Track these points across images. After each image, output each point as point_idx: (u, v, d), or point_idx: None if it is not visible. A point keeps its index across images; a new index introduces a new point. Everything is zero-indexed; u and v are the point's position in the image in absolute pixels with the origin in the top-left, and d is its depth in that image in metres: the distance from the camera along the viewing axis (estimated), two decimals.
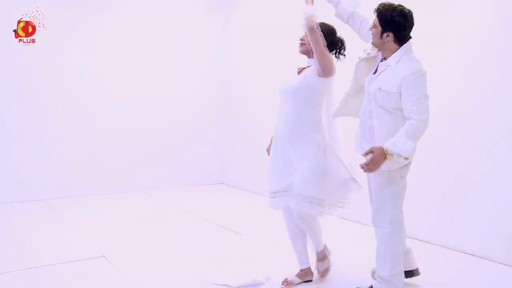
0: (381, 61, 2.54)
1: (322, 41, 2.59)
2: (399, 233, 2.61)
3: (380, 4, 2.47)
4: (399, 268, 2.63)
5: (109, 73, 5.42)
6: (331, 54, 2.70)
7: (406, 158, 2.33)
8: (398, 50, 2.45)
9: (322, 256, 2.88)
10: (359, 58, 2.65)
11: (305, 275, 2.88)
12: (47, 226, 4.08)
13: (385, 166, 2.35)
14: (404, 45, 2.45)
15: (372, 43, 2.56)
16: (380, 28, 2.44)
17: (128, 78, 5.54)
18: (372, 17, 2.54)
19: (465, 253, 3.50)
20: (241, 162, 5.98)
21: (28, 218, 4.34)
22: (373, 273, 2.85)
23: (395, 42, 2.45)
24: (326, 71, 2.62)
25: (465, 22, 3.51)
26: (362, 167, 2.36)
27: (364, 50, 2.64)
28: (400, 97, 2.38)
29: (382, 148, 2.30)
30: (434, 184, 3.70)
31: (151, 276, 2.98)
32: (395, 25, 2.40)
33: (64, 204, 4.84)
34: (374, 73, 2.56)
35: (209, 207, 4.95)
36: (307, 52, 2.74)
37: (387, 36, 2.43)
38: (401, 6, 2.45)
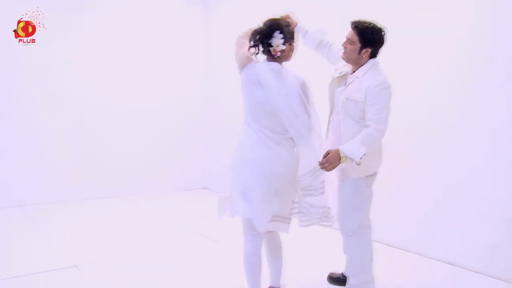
0: (351, 74, 2.65)
1: (238, 44, 2.59)
2: (366, 241, 2.73)
3: (357, 22, 2.56)
4: (369, 276, 2.75)
5: (90, 79, 5.34)
6: (241, 50, 2.54)
7: (358, 164, 2.49)
8: (366, 63, 2.57)
9: None
10: (332, 77, 2.76)
11: None
12: (22, 234, 4.03)
13: (352, 173, 2.59)
14: (373, 59, 2.58)
15: (346, 58, 2.64)
16: (359, 45, 2.54)
17: (110, 84, 5.46)
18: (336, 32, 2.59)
19: (448, 263, 3.49)
20: (224, 167, 5.85)
21: (3, 225, 4.28)
22: (329, 277, 3.06)
23: (369, 57, 2.58)
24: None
25: (457, 25, 3.44)
26: (319, 165, 2.47)
27: (336, 70, 2.76)
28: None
29: (338, 150, 2.45)
30: (418, 195, 3.70)
31: (122, 287, 2.94)
32: (375, 42, 2.54)
33: (42, 211, 4.74)
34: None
35: (189, 213, 4.88)
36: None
37: (365, 52, 2.55)
38: (376, 24, 2.56)
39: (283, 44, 2.44)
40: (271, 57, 2.49)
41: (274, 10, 4.65)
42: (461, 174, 3.42)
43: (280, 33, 2.43)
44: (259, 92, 2.45)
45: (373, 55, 2.57)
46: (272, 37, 2.43)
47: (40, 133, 5.10)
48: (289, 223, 2.58)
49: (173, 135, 5.98)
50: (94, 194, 5.38)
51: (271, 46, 2.44)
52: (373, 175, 2.69)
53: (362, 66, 2.56)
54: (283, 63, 2.55)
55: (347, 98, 2.57)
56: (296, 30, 2.73)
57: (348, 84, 2.61)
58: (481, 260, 3.31)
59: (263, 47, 2.47)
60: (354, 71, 2.61)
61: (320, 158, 2.49)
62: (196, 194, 5.91)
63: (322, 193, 2.56)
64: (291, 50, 2.54)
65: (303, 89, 2.47)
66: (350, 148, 2.44)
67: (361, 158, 2.44)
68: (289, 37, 2.48)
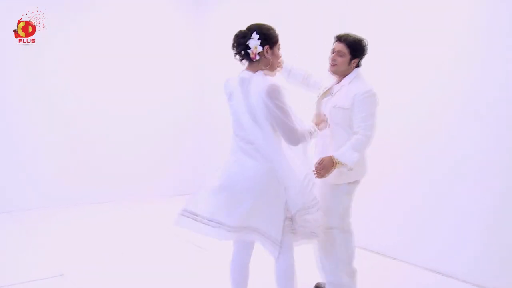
0: (336, 84, 2.75)
1: None
2: (338, 244, 2.78)
3: (345, 35, 2.69)
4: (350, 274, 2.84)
5: (82, 83, 5.29)
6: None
7: (350, 169, 2.57)
8: (352, 73, 2.70)
9: None
10: (318, 95, 2.83)
11: None
12: (9, 241, 3.98)
13: (333, 179, 2.62)
14: (357, 68, 2.71)
15: (335, 71, 2.74)
16: (349, 57, 2.67)
17: (103, 89, 5.42)
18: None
19: (433, 271, 3.48)
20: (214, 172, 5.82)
21: None
22: None
23: (355, 67, 2.72)
24: None
25: (450, 26, 3.42)
26: (314, 171, 2.51)
27: (320, 87, 2.85)
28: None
29: (331, 157, 2.53)
30: (402, 201, 3.72)
31: None
32: (362, 53, 2.71)
33: (31, 217, 4.67)
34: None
35: None
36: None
37: (354, 63, 2.69)
38: (359, 35, 2.71)
39: (261, 46, 2.32)
40: (251, 61, 2.37)
41: (271, 13, 4.66)
42: (447, 181, 3.43)
43: (258, 33, 2.32)
44: (231, 102, 2.41)
45: (359, 65, 2.73)
46: (249, 38, 2.32)
47: (30, 136, 5.03)
48: (273, 244, 2.37)
49: (167, 140, 5.94)
50: (85, 199, 5.33)
51: (249, 48, 2.33)
52: (355, 182, 2.75)
53: (348, 76, 2.69)
54: (267, 72, 2.40)
55: (334, 106, 2.66)
56: (282, 72, 2.86)
57: (334, 93, 2.71)
58: (466, 268, 3.31)
59: (240, 49, 2.36)
60: (339, 82, 2.73)
61: (299, 175, 2.39)
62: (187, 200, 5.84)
63: (318, 209, 2.44)
64: (274, 56, 2.39)
65: (270, 96, 2.24)
66: (343, 153, 2.53)
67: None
68: (269, 41, 2.35)
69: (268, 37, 2.35)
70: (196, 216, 2.46)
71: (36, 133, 5.07)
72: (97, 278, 3.23)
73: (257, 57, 2.34)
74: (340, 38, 2.67)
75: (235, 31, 2.42)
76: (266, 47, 2.34)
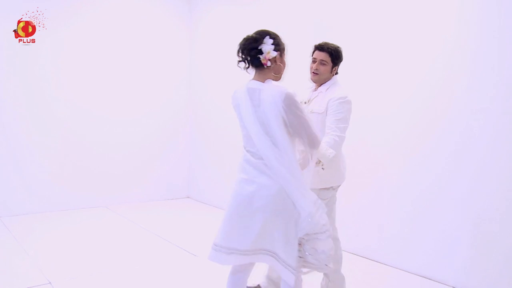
0: (314, 91, 2.83)
1: None
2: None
3: (326, 44, 2.77)
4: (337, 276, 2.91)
5: (72, 88, 5.23)
6: None
7: (323, 168, 2.58)
8: (330, 80, 2.80)
9: None
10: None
11: None
12: None
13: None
14: (335, 76, 2.82)
15: (318, 79, 2.80)
16: (331, 64, 2.78)
17: (92, 92, 5.36)
18: None
19: (422, 276, 3.47)
20: (207, 176, 5.83)
21: None
22: None
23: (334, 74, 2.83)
24: None
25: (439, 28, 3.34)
26: None
27: (301, 102, 2.75)
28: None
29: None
30: (392, 206, 3.70)
31: None
32: (341, 60, 2.82)
33: (20, 223, 4.61)
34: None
35: (170, 224, 4.79)
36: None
37: (334, 70, 2.81)
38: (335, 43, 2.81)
39: (274, 50, 2.19)
40: (261, 67, 2.23)
41: (260, 19, 4.54)
42: (438, 186, 3.40)
43: (271, 38, 2.20)
44: (239, 115, 2.27)
45: (337, 71, 2.84)
46: (262, 43, 2.19)
47: (17, 140, 4.96)
48: (288, 270, 2.17)
49: (156, 143, 5.90)
50: (73, 205, 5.29)
51: (261, 53, 2.19)
52: (329, 189, 2.76)
53: (326, 83, 2.78)
54: (273, 82, 2.26)
55: (311, 111, 2.74)
56: None
57: (312, 100, 2.79)
58: (456, 274, 3.29)
59: (251, 55, 2.21)
60: (316, 89, 2.82)
61: (312, 196, 2.23)
62: (179, 204, 5.81)
63: (329, 236, 2.27)
64: (283, 63, 2.28)
65: (289, 103, 2.12)
66: (319, 150, 2.50)
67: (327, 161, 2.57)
68: (280, 47, 2.24)
69: (278, 43, 2.25)
70: (215, 245, 2.30)
71: (28, 137, 5.01)
72: (86, 286, 3.17)
73: (269, 63, 2.21)
74: (322, 47, 2.74)
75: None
76: (277, 53, 2.23)
